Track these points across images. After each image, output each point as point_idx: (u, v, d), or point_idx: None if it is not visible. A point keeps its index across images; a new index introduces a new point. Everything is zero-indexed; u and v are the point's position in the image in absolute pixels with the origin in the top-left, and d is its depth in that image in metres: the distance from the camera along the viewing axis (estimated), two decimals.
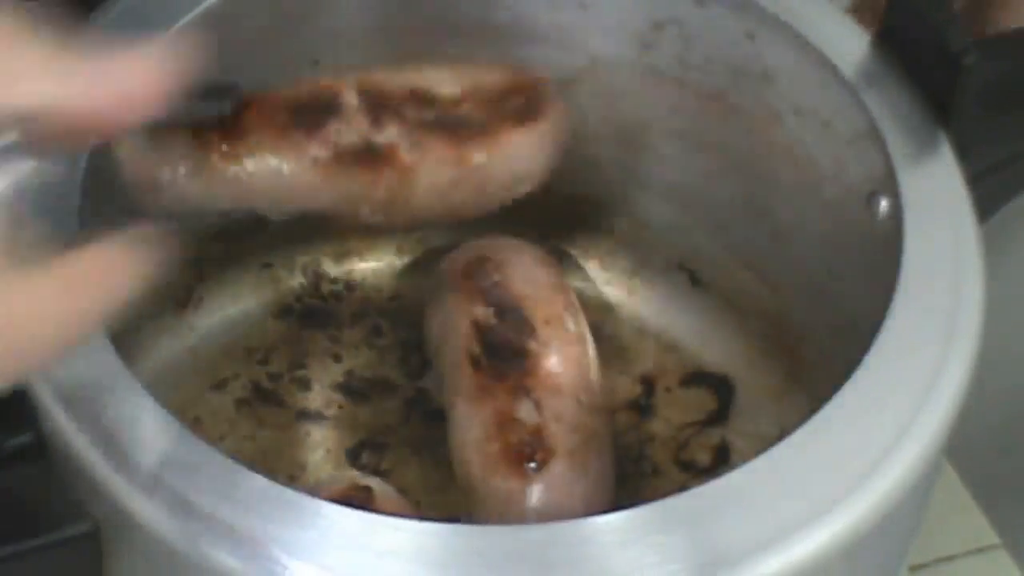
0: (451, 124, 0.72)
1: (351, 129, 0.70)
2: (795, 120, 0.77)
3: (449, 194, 0.73)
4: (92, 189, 0.67)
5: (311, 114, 0.69)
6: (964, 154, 0.69)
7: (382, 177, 0.71)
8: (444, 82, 0.73)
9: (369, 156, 0.70)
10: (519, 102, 0.74)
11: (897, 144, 0.70)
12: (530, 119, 0.74)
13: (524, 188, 0.75)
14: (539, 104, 0.75)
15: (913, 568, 0.87)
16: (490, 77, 0.74)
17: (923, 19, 0.69)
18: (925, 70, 0.70)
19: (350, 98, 0.70)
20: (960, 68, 0.68)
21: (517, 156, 0.74)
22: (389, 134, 0.70)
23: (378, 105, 0.70)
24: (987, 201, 0.69)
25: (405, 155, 0.71)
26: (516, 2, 0.82)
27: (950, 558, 0.89)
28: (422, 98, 0.72)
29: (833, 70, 0.73)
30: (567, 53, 0.84)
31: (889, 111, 0.71)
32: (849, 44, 0.73)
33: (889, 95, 0.71)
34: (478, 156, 0.73)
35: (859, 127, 0.72)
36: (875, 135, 0.70)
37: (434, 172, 0.72)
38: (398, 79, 0.72)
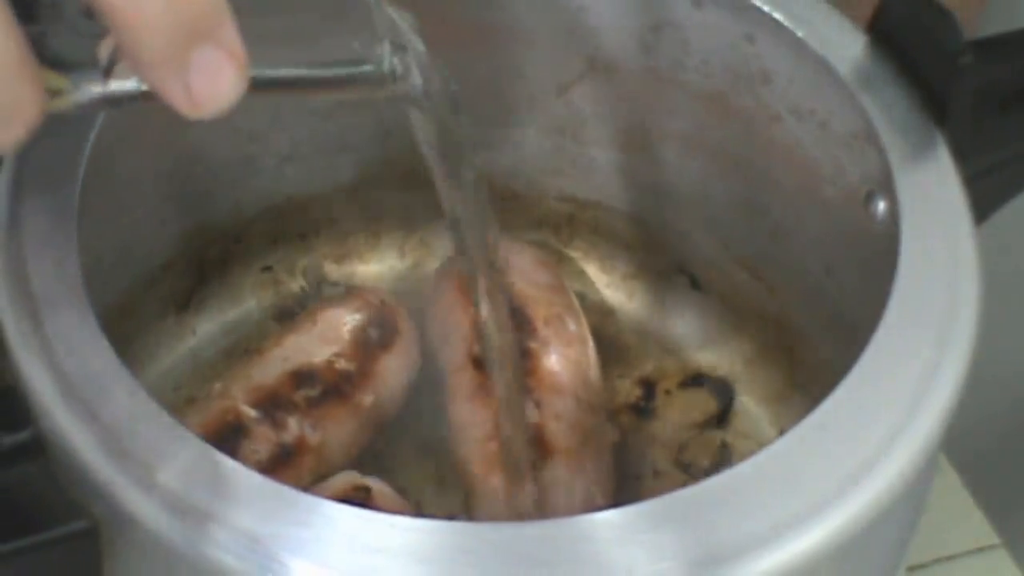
0: (335, 387, 0.80)
1: (261, 444, 0.76)
2: (793, 121, 0.77)
3: (357, 438, 0.81)
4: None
5: (223, 442, 0.75)
6: (961, 155, 0.69)
7: (303, 467, 0.78)
8: (313, 346, 0.81)
9: (284, 459, 0.77)
10: (376, 333, 0.82)
11: (894, 145, 0.69)
12: (391, 343, 0.83)
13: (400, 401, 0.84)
14: (393, 326, 0.83)
15: (913, 568, 0.87)
16: (344, 316, 0.83)
17: (918, 19, 0.69)
18: (921, 71, 0.70)
19: (247, 412, 0.77)
20: (956, 69, 0.68)
21: (394, 379, 0.82)
22: (292, 430, 0.77)
23: (272, 407, 0.77)
24: (984, 202, 0.69)
25: (311, 438, 0.78)
26: (514, 4, 0.82)
27: (950, 558, 0.89)
28: (304, 376, 0.79)
29: (830, 71, 0.73)
30: (565, 55, 0.84)
31: (886, 112, 0.70)
32: (846, 45, 0.73)
33: (886, 96, 0.71)
34: (368, 398, 0.80)
35: (856, 128, 0.72)
36: (872, 136, 0.70)
37: (339, 433, 0.80)
38: (277, 366, 0.79)
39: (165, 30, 0.48)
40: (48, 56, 0.51)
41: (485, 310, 0.71)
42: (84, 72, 0.52)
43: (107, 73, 0.53)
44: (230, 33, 0.49)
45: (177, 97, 0.50)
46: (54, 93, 0.52)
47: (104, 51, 0.53)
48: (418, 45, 0.63)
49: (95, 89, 0.53)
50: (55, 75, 0.52)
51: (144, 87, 0.52)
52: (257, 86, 0.53)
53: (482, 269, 0.70)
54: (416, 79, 0.64)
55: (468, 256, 0.70)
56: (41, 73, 0.49)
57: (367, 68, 0.63)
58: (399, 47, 0.63)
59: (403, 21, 0.63)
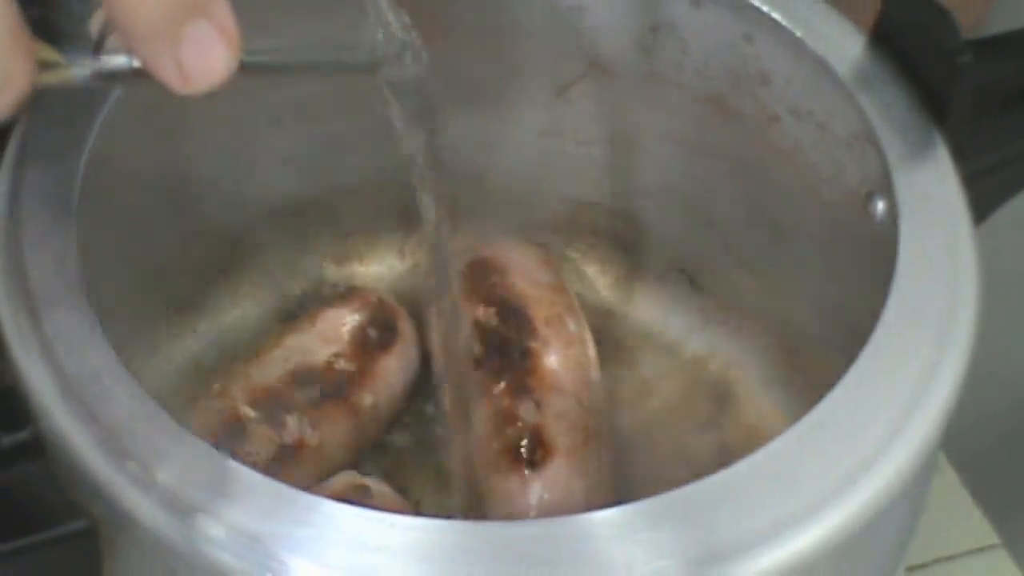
0: (335, 387, 0.80)
1: (261, 444, 0.76)
2: (792, 122, 0.77)
3: (357, 438, 0.81)
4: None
5: (223, 442, 0.75)
6: (960, 155, 0.69)
7: (303, 467, 0.77)
8: (313, 346, 0.81)
9: (283, 459, 0.77)
10: (376, 333, 0.82)
11: (893, 145, 0.70)
12: (391, 343, 0.83)
13: (400, 401, 0.85)
14: (393, 326, 0.84)
15: (913, 568, 0.87)
16: (344, 316, 0.83)
17: (917, 20, 0.69)
18: (920, 71, 0.71)
19: (247, 412, 0.77)
20: (955, 68, 0.68)
21: (394, 379, 0.83)
22: (291, 429, 0.77)
23: (272, 407, 0.78)
24: (983, 202, 0.69)
25: (310, 439, 0.78)
26: (514, 4, 0.82)
27: (950, 558, 0.89)
28: (304, 376, 0.80)
29: (830, 72, 0.73)
30: (565, 55, 0.84)
31: (885, 112, 0.70)
32: (846, 46, 0.73)
33: (885, 96, 0.71)
34: (367, 398, 0.81)
35: (856, 128, 0.72)
36: (872, 136, 0.70)
37: (339, 433, 0.80)
38: (276, 366, 0.79)
39: (159, 3, 0.48)
40: (42, 36, 0.51)
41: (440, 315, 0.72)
42: (76, 47, 0.53)
43: (97, 48, 0.53)
44: (223, 9, 0.50)
45: (167, 72, 0.50)
46: (45, 66, 0.52)
47: (94, 25, 0.53)
48: (408, 36, 0.64)
49: (86, 63, 0.53)
50: (47, 48, 0.52)
51: (135, 63, 0.53)
52: (248, 66, 0.53)
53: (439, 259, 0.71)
54: (408, 68, 0.64)
55: (431, 247, 0.72)
56: (33, 46, 0.49)
57: (360, 53, 0.63)
58: (391, 35, 0.63)
59: (393, 14, 0.64)
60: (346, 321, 0.83)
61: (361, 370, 0.81)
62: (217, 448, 0.57)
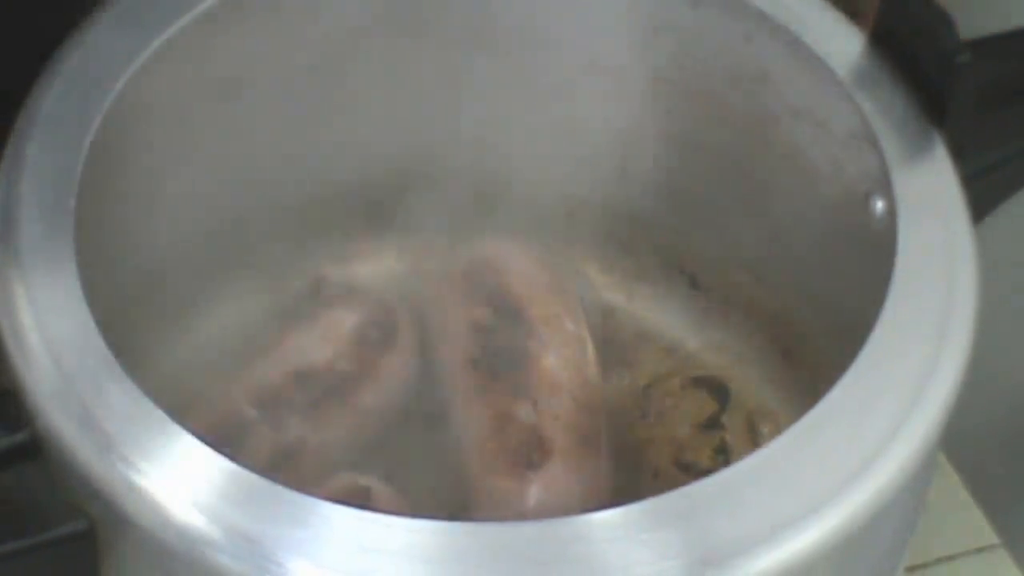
0: (335, 387, 0.79)
1: (261, 444, 0.76)
2: (791, 122, 0.77)
3: (357, 438, 0.81)
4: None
5: (223, 442, 0.72)
6: (959, 154, 0.69)
7: (303, 467, 0.77)
8: (313, 346, 0.80)
9: (284, 459, 0.76)
10: (376, 333, 0.82)
11: (892, 145, 0.70)
12: (391, 343, 0.82)
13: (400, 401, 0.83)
14: (393, 326, 0.83)
15: (913, 568, 0.87)
16: (344, 316, 0.83)
17: (916, 19, 0.69)
18: (919, 70, 0.71)
19: (248, 412, 0.77)
20: (953, 68, 0.68)
21: (394, 379, 0.82)
22: (292, 430, 0.77)
23: (272, 407, 0.77)
24: (982, 201, 0.69)
25: (310, 439, 0.78)
26: (514, 4, 0.82)
27: (950, 558, 0.89)
28: (306, 377, 0.79)
29: (828, 71, 0.73)
30: (565, 56, 0.84)
31: (884, 112, 0.71)
32: (844, 45, 0.73)
33: (884, 96, 0.71)
34: (367, 398, 0.80)
35: (855, 128, 0.72)
36: (870, 136, 0.70)
37: (339, 433, 0.79)
38: (276, 366, 0.79)
39: None
40: None
41: None
42: None
43: None
44: None
45: None
46: None
47: None
48: None
49: None
50: None
51: None
52: None
53: None
54: None
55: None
56: None
57: None
58: None
59: None
60: (346, 321, 0.83)
61: (362, 370, 0.81)
62: (216, 449, 0.57)
